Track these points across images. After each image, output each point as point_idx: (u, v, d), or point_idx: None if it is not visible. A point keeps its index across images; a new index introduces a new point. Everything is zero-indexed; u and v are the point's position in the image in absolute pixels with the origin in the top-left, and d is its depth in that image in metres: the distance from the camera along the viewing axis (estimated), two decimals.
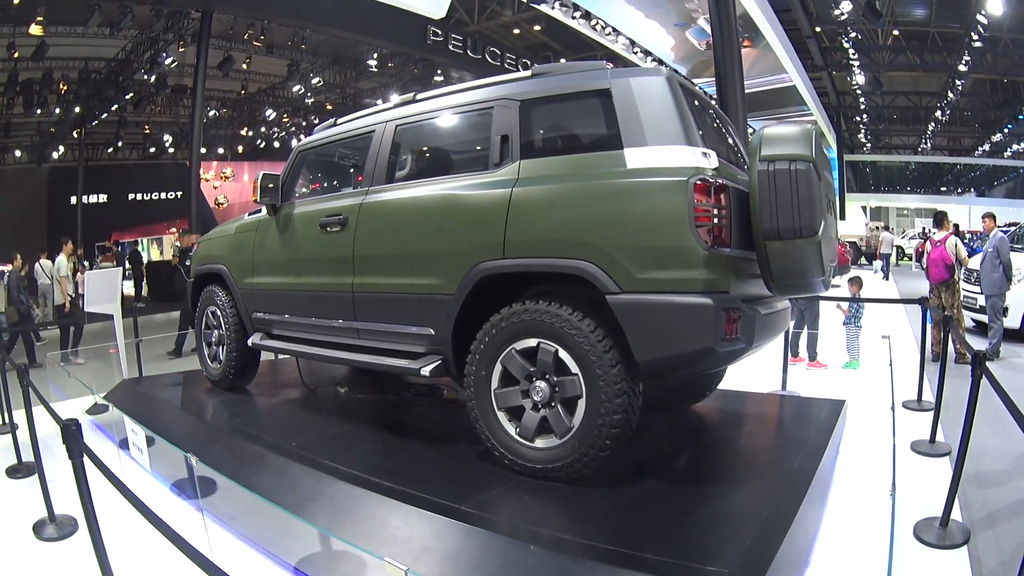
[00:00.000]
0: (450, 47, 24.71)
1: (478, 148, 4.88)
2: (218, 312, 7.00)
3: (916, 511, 4.86)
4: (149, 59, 24.52)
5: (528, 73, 4.77)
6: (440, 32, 24.16)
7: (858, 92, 35.58)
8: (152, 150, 39.08)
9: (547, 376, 4.20)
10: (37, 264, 18.05)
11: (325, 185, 6.34)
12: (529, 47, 32.21)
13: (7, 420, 7.08)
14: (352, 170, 6.20)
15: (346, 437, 5.58)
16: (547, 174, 4.39)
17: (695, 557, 3.31)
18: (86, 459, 3.19)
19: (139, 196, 42.07)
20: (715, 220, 3.84)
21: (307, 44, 27.56)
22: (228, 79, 29.79)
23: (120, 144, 36.81)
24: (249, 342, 6.59)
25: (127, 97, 28.04)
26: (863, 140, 46.90)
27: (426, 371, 4.80)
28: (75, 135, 33.08)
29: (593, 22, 22.92)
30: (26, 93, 26.12)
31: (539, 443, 4.28)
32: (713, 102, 5.24)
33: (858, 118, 42.79)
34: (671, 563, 3.24)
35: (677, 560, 3.27)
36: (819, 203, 4.00)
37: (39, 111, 27.60)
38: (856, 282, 10.70)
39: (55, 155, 34.81)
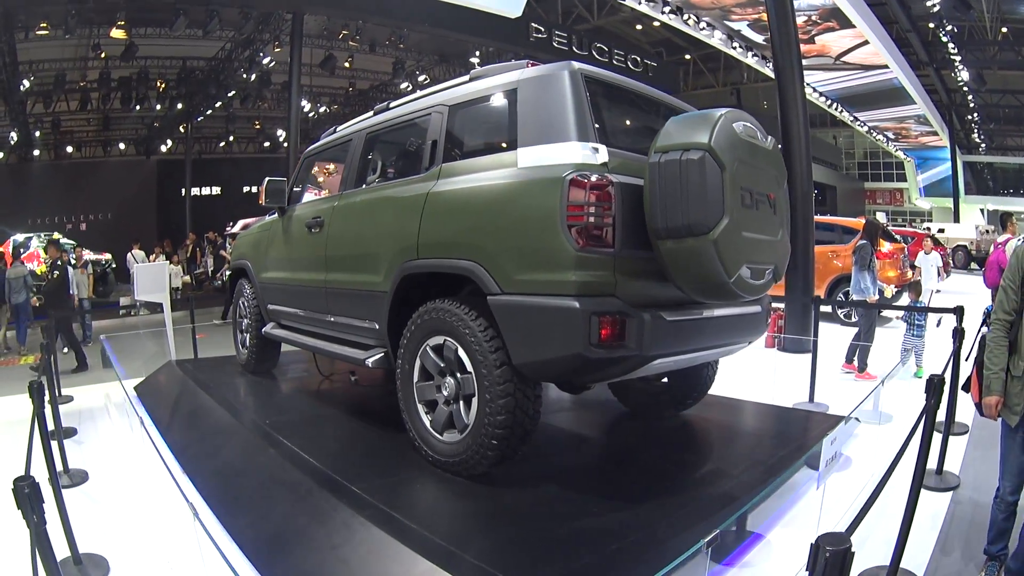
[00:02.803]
0: (554, 44, 23.97)
1: (418, 154, 4.92)
2: (244, 303, 7.51)
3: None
4: (247, 58, 25.37)
5: (467, 77, 4.80)
6: (543, 29, 23.76)
7: (965, 89, 33.71)
8: (266, 144, 40.24)
9: (454, 373, 4.22)
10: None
11: (321, 189, 6.54)
12: (652, 43, 32.02)
13: (59, 393, 8.15)
14: (339, 175, 6.33)
15: (317, 420, 5.90)
16: (455, 177, 4.42)
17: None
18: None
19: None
20: (590, 219, 3.65)
21: (407, 42, 27.90)
22: (335, 76, 30.48)
23: (232, 139, 38.04)
24: (263, 331, 7.00)
25: (229, 95, 29.01)
26: (977, 140, 44.13)
27: (370, 362, 5.01)
28: (181, 130, 34.31)
29: (686, 16, 22.30)
30: (124, 90, 27.22)
31: (445, 436, 4.31)
32: (658, 93, 4.87)
33: (969, 116, 40.36)
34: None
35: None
36: (720, 197, 3.63)
37: (138, 107, 28.76)
38: (914, 288, 10.01)
39: (163, 148, 36.12)
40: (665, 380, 5.65)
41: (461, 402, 4.17)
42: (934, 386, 3.72)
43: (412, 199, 4.63)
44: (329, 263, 5.59)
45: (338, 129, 6.31)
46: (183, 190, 35.15)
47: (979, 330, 5.50)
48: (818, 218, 13.30)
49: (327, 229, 5.65)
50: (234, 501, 4.60)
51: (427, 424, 4.41)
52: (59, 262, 11.54)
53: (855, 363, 9.25)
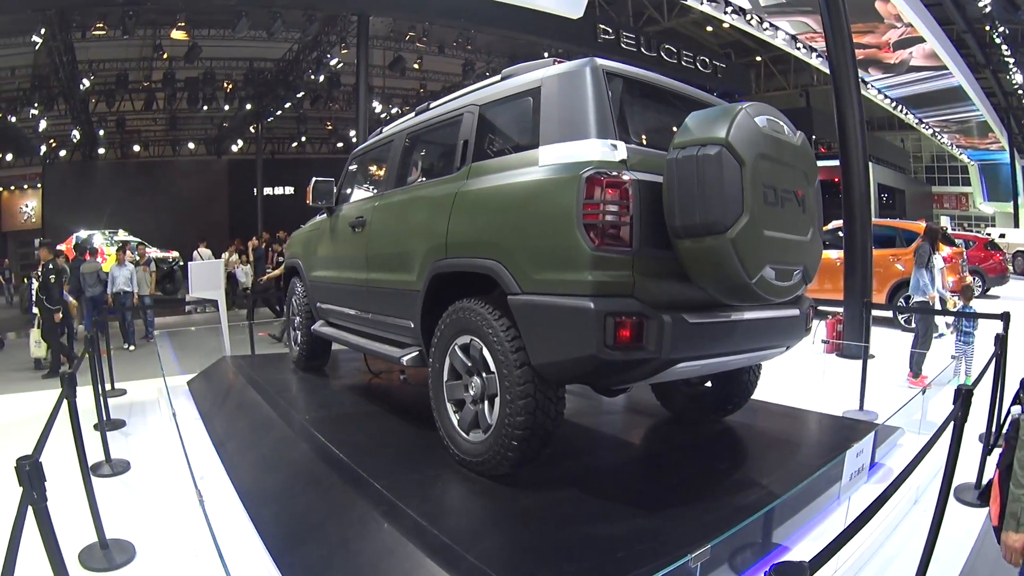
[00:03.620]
0: (622, 45, 23.80)
1: (451, 154, 4.91)
2: (295, 301, 7.68)
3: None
4: (315, 60, 25.66)
5: (499, 77, 4.78)
6: (611, 30, 23.69)
7: (1020, 92, 32.37)
8: (339, 145, 40.64)
9: (480, 373, 4.18)
10: (196, 251, 19.41)
11: (367, 189, 6.58)
12: (723, 44, 31.71)
13: (112, 386, 8.53)
14: (381, 175, 6.40)
15: (356, 417, 5.92)
16: (483, 177, 4.40)
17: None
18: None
19: None
20: (607, 218, 3.57)
21: (476, 44, 27.94)
22: (405, 78, 30.70)
23: (304, 139, 38.46)
24: (312, 328, 7.12)
25: (298, 96, 29.35)
26: None
27: (405, 360, 5.03)
28: (252, 130, 34.80)
29: (748, 17, 21.95)
30: (190, 91, 27.76)
31: (471, 436, 4.27)
32: (686, 88, 4.72)
33: None
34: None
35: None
36: (739, 194, 3.50)
37: (205, 108, 29.30)
38: (965, 293, 9.45)
39: (234, 148, 36.88)
40: (708, 384, 5.53)
41: (486, 402, 4.14)
42: (962, 396, 3.45)
43: (443, 198, 4.64)
44: (369, 262, 5.65)
45: (383, 130, 6.37)
46: (255, 189, 35.58)
47: (1009, 409, 3.85)
48: (878, 221, 13.01)
49: (368, 228, 5.72)
50: (263, 493, 4.69)
51: (455, 423, 4.38)
52: (51, 265, 11.84)
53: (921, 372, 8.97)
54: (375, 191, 6.12)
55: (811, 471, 4.44)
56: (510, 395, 3.86)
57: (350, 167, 6.84)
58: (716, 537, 3.07)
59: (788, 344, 4.72)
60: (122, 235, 24.49)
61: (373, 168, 6.44)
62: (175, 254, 22.69)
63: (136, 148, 34.81)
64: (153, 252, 21.25)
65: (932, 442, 3.46)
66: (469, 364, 4.25)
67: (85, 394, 5.57)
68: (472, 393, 4.22)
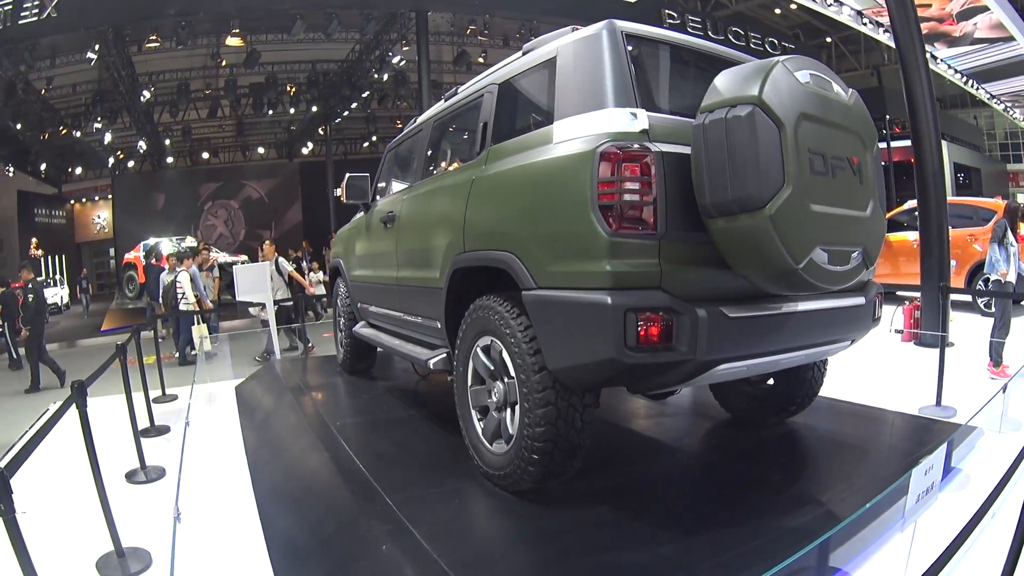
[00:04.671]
0: (688, 29, 22.69)
1: (472, 138, 4.54)
2: (339, 302, 7.46)
3: None
4: (377, 59, 25.52)
5: (520, 53, 4.33)
6: (675, 14, 22.82)
7: None
8: None
9: (502, 378, 3.76)
10: (260, 255, 19.46)
11: (399, 182, 6.24)
12: (792, 27, 30.92)
13: (164, 392, 8.63)
14: (411, 167, 6.10)
15: (388, 423, 5.63)
16: (499, 160, 3.99)
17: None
18: None
19: None
20: (626, 197, 3.11)
21: (537, 34, 27.57)
22: (471, 72, 30.54)
23: (375, 138, 38.00)
24: (353, 330, 6.91)
25: (363, 95, 29.26)
26: None
27: (432, 363, 4.67)
28: (320, 132, 34.69)
29: None
30: (255, 96, 27.92)
31: (494, 447, 3.86)
32: (720, 49, 4.14)
33: None
34: None
35: None
36: (778, 162, 2.98)
37: (270, 112, 29.41)
38: None
39: (304, 151, 36.78)
40: (771, 381, 4.93)
41: (508, 410, 3.73)
42: None
43: (461, 187, 4.28)
44: (399, 259, 5.37)
45: (416, 120, 6.07)
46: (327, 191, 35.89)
47: None
48: (953, 199, 12.22)
49: (397, 223, 5.45)
50: (279, 503, 4.50)
51: (479, 431, 3.98)
52: (30, 285, 12.01)
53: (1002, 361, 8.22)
54: (406, 184, 5.81)
55: (877, 486, 3.84)
56: (528, 403, 3.45)
57: (385, 160, 6.60)
58: (764, 573, 2.61)
59: (853, 337, 4.11)
60: (190, 242, 24.81)
61: (405, 160, 6.13)
62: (243, 258, 22.86)
63: (205, 155, 35.27)
64: (221, 257, 21.44)
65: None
66: (492, 368, 3.84)
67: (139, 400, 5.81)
68: (495, 400, 3.82)
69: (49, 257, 32.97)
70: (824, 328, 3.82)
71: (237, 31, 21.64)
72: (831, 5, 21.46)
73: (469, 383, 4.05)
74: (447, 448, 4.69)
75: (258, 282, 9.92)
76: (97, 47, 19.43)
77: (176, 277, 12.76)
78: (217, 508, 4.67)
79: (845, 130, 3.38)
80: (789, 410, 4.94)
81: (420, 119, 5.85)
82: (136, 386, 6.38)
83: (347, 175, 6.39)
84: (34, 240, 31.80)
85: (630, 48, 3.50)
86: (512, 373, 3.60)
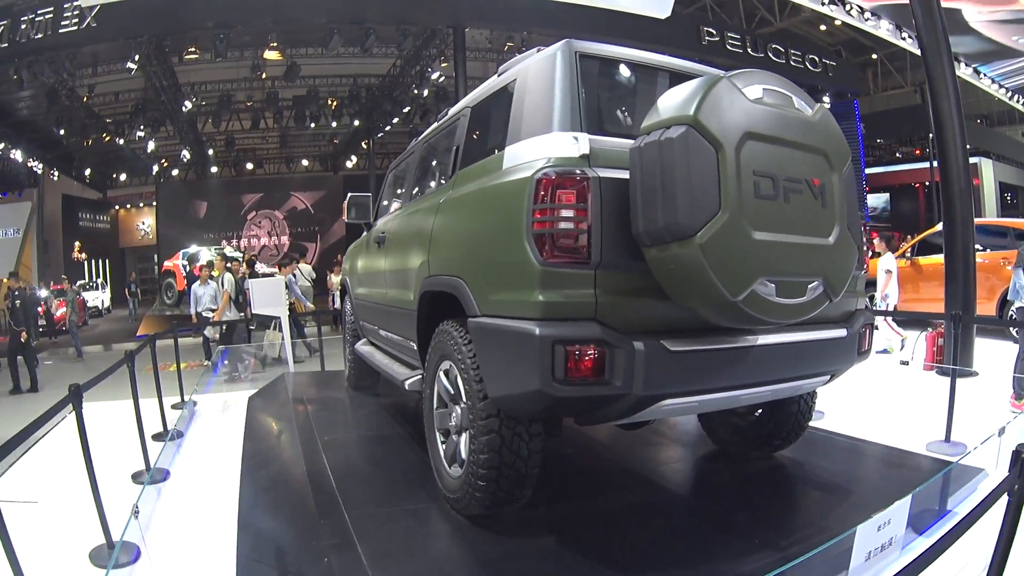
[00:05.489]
0: (728, 47, 22.86)
1: (447, 161, 4.56)
2: (347, 319, 7.60)
3: None
4: (417, 74, 25.64)
5: (496, 75, 4.27)
6: (715, 32, 22.87)
7: None
8: None
9: (460, 402, 3.71)
10: (296, 269, 19.67)
11: (394, 203, 6.28)
12: (838, 43, 30.57)
13: (183, 398, 8.50)
14: (404, 188, 6.16)
15: (375, 440, 5.80)
16: (462, 185, 4.00)
17: None
18: None
19: None
20: (560, 225, 3.03)
21: None
22: None
23: None
24: (354, 347, 7.01)
25: (405, 110, 29.37)
26: None
27: (407, 384, 4.68)
28: (364, 145, 35.05)
29: (848, 7, 20.65)
30: (297, 108, 28.12)
31: (452, 470, 3.83)
32: (688, 66, 3.96)
33: None
34: None
35: None
36: (713, 186, 2.83)
37: (312, 125, 29.62)
38: None
39: (348, 164, 37.19)
40: (759, 412, 4.75)
41: (463, 435, 3.69)
42: (1021, 462, 2.30)
43: (431, 210, 4.31)
44: (387, 278, 5.39)
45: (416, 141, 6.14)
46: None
47: None
48: (982, 220, 11.85)
49: (386, 244, 5.49)
50: (255, 513, 4.50)
51: (441, 454, 3.96)
52: (16, 292, 12.33)
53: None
54: (398, 204, 5.88)
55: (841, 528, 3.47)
56: (475, 429, 3.42)
57: (386, 181, 6.67)
58: None
59: (833, 371, 3.90)
60: (228, 251, 25.12)
61: (399, 181, 6.20)
62: (275, 270, 23.06)
63: (249, 166, 35.90)
64: (260, 268, 21.69)
65: (968, 523, 2.48)
66: (452, 392, 3.81)
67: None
68: (453, 423, 3.80)
69: (93, 261, 33.66)
70: (793, 363, 3.61)
71: (275, 45, 21.83)
72: (869, 20, 21.08)
73: (434, 405, 4.04)
74: (420, 468, 4.66)
75: (273, 296, 10.05)
76: (137, 57, 19.80)
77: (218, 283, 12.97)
78: (203, 510, 4.76)
79: (805, 149, 3.19)
80: (774, 444, 4.77)
81: (415, 141, 5.89)
82: (154, 391, 6.79)
83: (349, 194, 6.50)
84: (77, 244, 32.47)
85: (587, 69, 3.45)
86: (465, 399, 3.58)
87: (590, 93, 3.42)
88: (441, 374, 3.91)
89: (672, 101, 2.99)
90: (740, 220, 2.86)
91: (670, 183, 2.83)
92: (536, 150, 3.27)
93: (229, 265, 15.01)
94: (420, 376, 4.55)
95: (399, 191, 6.03)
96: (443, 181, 4.47)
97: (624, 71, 3.79)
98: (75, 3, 15.72)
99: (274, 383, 8.75)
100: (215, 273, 13.15)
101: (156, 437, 6.45)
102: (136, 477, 5.59)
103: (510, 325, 3.13)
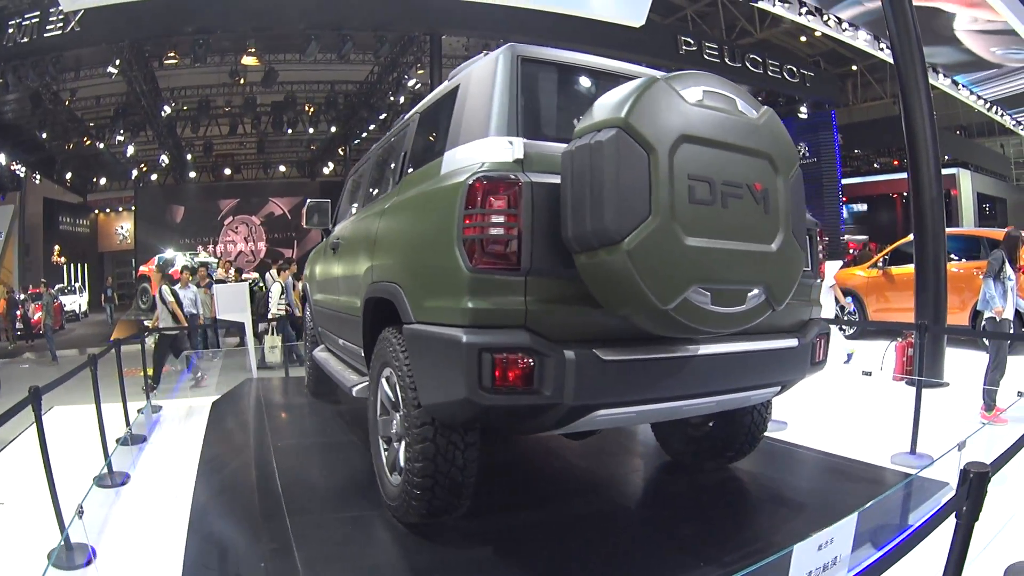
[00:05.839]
0: (705, 56, 22.59)
1: (397, 168, 4.54)
2: (307, 326, 7.66)
3: None
4: (394, 81, 25.56)
5: (447, 80, 4.24)
6: (692, 41, 22.79)
7: None
8: None
9: (397, 409, 3.67)
10: (268, 274, 19.59)
11: (351, 208, 6.23)
12: (819, 54, 30.72)
13: (149, 403, 8.51)
14: (360, 193, 6.15)
15: (328, 446, 5.76)
16: (404, 190, 4.00)
17: None
18: None
19: None
20: (491, 231, 2.97)
21: None
22: None
23: None
24: (312, 353, 6.99)
25: (381, 117, 29.24)
26: None
27: (355, 390, 4.59)
28: (340, 152, 34.86)
29: (826, 18, 20.53)
30: (275, 114, 28.01)
31: (392, 477, 3.76)
32: (634, 69, 3.90)
33: None
34: None
35: None
36: (643, 191, 2.73)
37: (289, 131, 29.39)
38: None
39: (325, 170, 36.97)
40: (711, 424, 4.66)
41: (402, 442, 3.62)
42: (970, 481, 2.16)
43: (376, 216, 4.32)
44: (340, 285, 5.35)
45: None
46: None
47: None
48: (953, 230, 11.82)
49: (339, 250, 5.47)
50: (205, 517, 4.48)
51: (384, 461, 3.89)
52: None
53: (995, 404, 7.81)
54: (353, 210, 5.86)
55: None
56: (410, 437, 3.37)
57: (345, 187, 6.67)
58: None
59: (783, 383, 3.82)
60: (203, 256, 25.03)
61: (356, 187, 6.19)
62: (255, 275, 23.05)
63: (227, 171, 35.70)
64: (232, 273, 21.61)
65: (915, 541, 2.38)
66: (393, 399, 3.76)
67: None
68: (394, 430, 3.74)
69: (72, 265, 33.49)
70: (738, 373, 3.53)
71: (253, 50, 21.76)
72: (846, 30, 21.14)
73: (378, 412, 3.98)
74: (367, 476, 4.60)
75: (238, 302, 10.07)
76: (118, 62, 19.77)
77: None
78: (158, 514, 4.76)
79: (747, 153, 3.08)
80: (727, 456, 4.69)
81: (373, 147, 5.92)
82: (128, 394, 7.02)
83: (308, 200, 6.53)
84: (57, 247, 32.32)
85: (529, 73, 3.42)
86: (401, 406, 3.54)
87: (531, 97, 3.39)
88: (383, 381, 3.85)
89: (605, 103, 2.91)
90: (671, 225, 2.78)
91: (598, 187, 2.75)
92: (472, 155, 3.24)
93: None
94: (367, 383, 4.48)
95: (354, 197, 6.03)
96: (391, 186, 4.44)
97: (568, 75, 3.74)
98: (58, 7, 15.67)
99: (238, 388, 8.75)
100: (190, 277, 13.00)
101: (122, 442, 6.44)
102: (99, 480, 5.56)
103: (440, 332, 3.08)
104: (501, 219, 2.97)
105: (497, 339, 2.89)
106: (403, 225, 3.79)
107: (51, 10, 16.26)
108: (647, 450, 5.39)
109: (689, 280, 2.84)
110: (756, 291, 3.10)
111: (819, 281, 4.17)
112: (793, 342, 3.68)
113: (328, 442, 5.82)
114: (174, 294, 11.84)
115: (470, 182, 3.02)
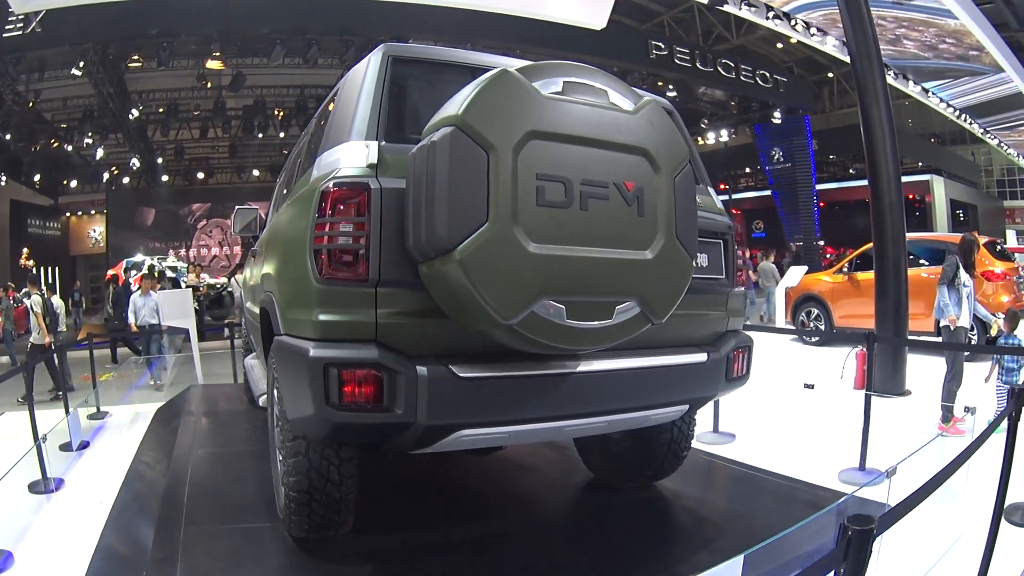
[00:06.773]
0: (676, 60, 22.94)
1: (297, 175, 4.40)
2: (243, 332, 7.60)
3: None
4: None
5: None
6: (663, 46, 22.85)
7: None
8: None
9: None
10: (233, 279, 19.42)
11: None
12: (794, 61, 30.83)
13: (98, 409, 8.66)
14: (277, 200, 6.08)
15: (251, 455, 5.52)
16: (291, 197, 3.90)
17: None
18: None
19: None
20: (339, 240, 2.80)
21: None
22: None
23: None
24: (245, 361, 6.83)
25: None
26: None
27: (261, 400, 4.39)
28: None
29: (793, 22, 20.30)
30: (245, 119, 27.84)
31: (283, 491, 3.53)
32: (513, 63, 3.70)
33: None
34: None
35: None
36: (481, 194, 2.51)
37: (260, 135, 29.23)
38: (1011, 320, 7.75)
39: None
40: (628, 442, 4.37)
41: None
42: (849, 539, 1.83)
43: (272, 225, 4.34)
44: (253, 293, 5.30)
45: None
46: None
47: None
48: (914, 235, 11.70)
49: (256, 258, 5.43)
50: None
51: (280, 473, 3.63)
52: None
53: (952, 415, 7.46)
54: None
55: None
56: (284, 451, 3.25)
57: (276, 193, 6.43)
58: None
59: (692, 400, 3.57)
60: (171, 260, 24.90)
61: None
62: (224, 280, 22.96)
63: (200, 175, 35.51)
64: (203, 278, 21.49)
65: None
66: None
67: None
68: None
69: (42, 268, 33.04)
70: (630, 392, 3.25)
71: (218, 54, 21.48)
72: (815, 35, 21.10)
73: (274, 424, 3.73)
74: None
75: (182, 308, 10.08)
76: (82, 64, 19.56)
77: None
78: (81, 521, 4.73)
79: (616, 148, 2.80)
80: (646, 474, 4.47)
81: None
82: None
83: (236, 207, 6.34)
84: (25, 250, 31.89)
85: (400, 73, 3.25)
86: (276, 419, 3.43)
87: (399, 99, 3.22)
88: (275, 392, 3.62)
89: (449, 102, 2.70)
90: (511, 231, 2.54)
91: (431, 191, 2.55)
92: (333, 160, 3.08)
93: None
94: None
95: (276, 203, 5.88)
96: (288, 193, 4.31)
97: (444, 74, 3.45)
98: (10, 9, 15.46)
99: (178, 396, 8.65)
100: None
101: (64, 448, 6.65)
102: (32, 487, 5.62)
103: (294, 345, 2.94)
104: (349, 228, 2.81)
105: (344, 353, 2.72)
106: (278, 234, 3.73)
107: (9, 10, 15.89)
108: (568, 465, 5.13)
109: (536, 292, 2.61)
110: (627, 303, 2.83)
111: (737, 290, 3.88)
112: (702, 357, 3.44)
113: (250, 451, 5.64)
114: (45, 304, 11.58)
115: (321, 189, 2.87)
